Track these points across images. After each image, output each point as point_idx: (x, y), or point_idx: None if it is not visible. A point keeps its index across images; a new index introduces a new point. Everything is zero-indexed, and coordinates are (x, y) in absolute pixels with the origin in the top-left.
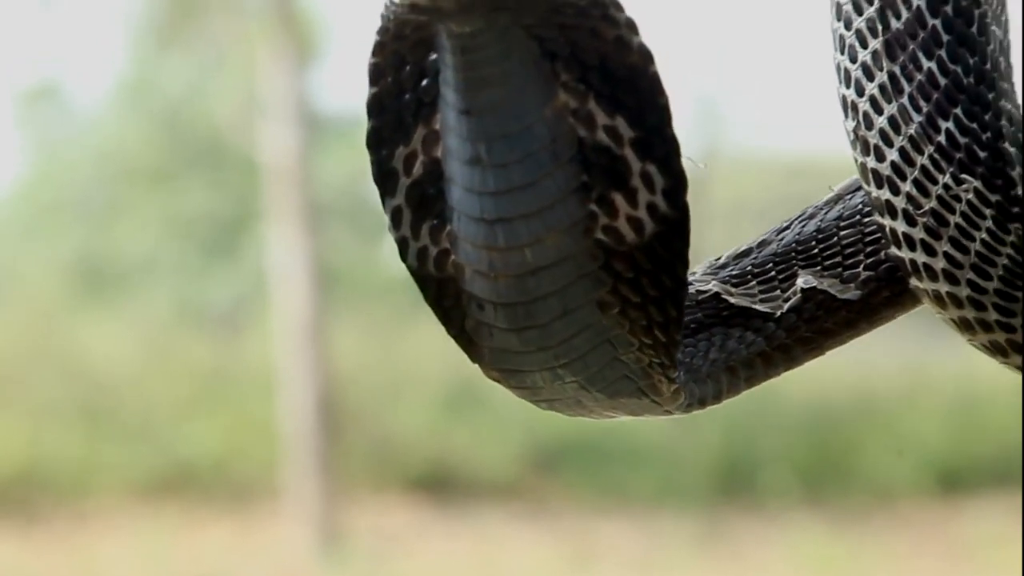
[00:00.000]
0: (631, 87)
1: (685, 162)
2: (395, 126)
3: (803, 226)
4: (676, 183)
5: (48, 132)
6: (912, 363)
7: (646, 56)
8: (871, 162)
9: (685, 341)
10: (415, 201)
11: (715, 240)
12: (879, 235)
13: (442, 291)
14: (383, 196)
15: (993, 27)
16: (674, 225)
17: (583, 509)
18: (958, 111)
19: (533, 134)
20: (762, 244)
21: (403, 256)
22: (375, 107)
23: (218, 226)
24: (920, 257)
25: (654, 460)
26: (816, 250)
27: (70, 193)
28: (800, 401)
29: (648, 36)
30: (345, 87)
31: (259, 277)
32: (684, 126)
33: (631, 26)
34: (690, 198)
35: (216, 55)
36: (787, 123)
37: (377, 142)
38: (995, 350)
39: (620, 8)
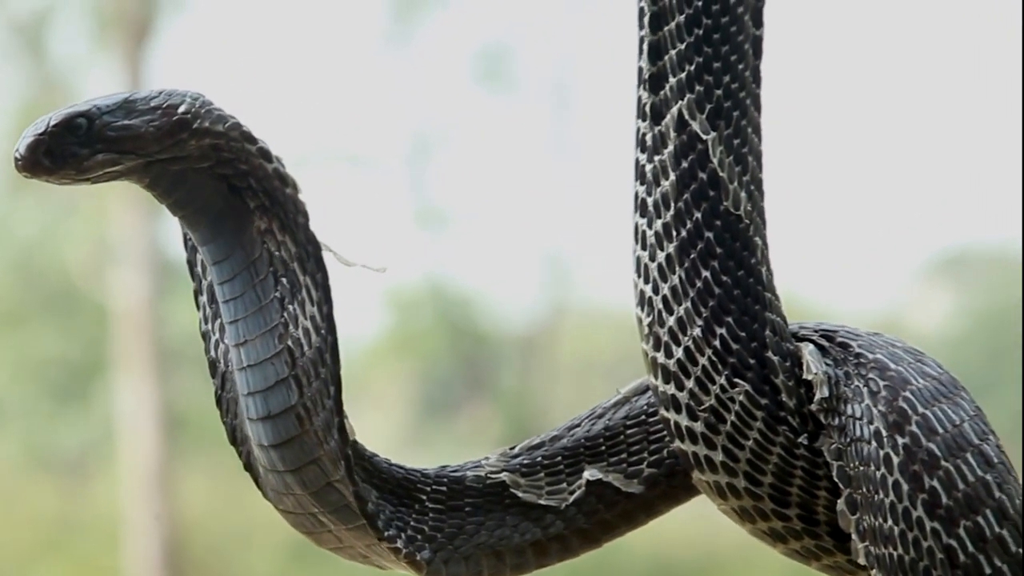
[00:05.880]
0: (283, 207)
1: (328, 256)
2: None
3: (592, 424)
4: (323, 296)
5: None
6: None
7: (282, 178)
8: (661, 357)
9: (451, 521)
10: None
11: (564, 395)
12: (663, 433)
13: (223, 382)
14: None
15: (756, 238)
16: (325, 338)
17: None
18: (731, 320)
19: (236, 258)
20: (554, 439)
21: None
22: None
23: (67, 371)
24: (702, 450)
25: None
26: (603, 447)
27: None
28: (642, 554)
29: (496, 194)
30: None
31: (107, 423)
32: (533, 282)
33: (264, 154)
34: (539, 353)
35: (68, 200)
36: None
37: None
38: (774, 537)
39: (253, 140)
